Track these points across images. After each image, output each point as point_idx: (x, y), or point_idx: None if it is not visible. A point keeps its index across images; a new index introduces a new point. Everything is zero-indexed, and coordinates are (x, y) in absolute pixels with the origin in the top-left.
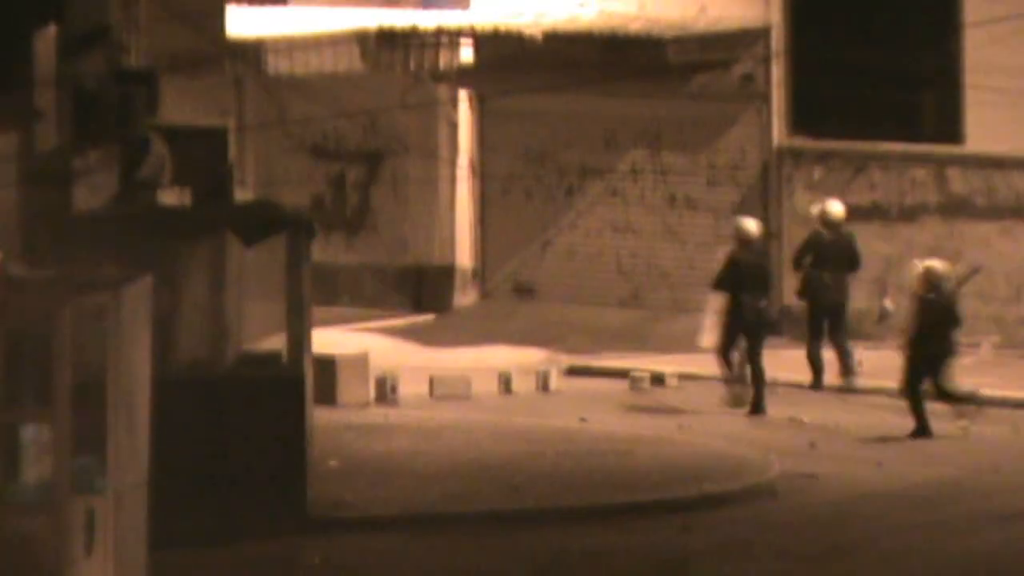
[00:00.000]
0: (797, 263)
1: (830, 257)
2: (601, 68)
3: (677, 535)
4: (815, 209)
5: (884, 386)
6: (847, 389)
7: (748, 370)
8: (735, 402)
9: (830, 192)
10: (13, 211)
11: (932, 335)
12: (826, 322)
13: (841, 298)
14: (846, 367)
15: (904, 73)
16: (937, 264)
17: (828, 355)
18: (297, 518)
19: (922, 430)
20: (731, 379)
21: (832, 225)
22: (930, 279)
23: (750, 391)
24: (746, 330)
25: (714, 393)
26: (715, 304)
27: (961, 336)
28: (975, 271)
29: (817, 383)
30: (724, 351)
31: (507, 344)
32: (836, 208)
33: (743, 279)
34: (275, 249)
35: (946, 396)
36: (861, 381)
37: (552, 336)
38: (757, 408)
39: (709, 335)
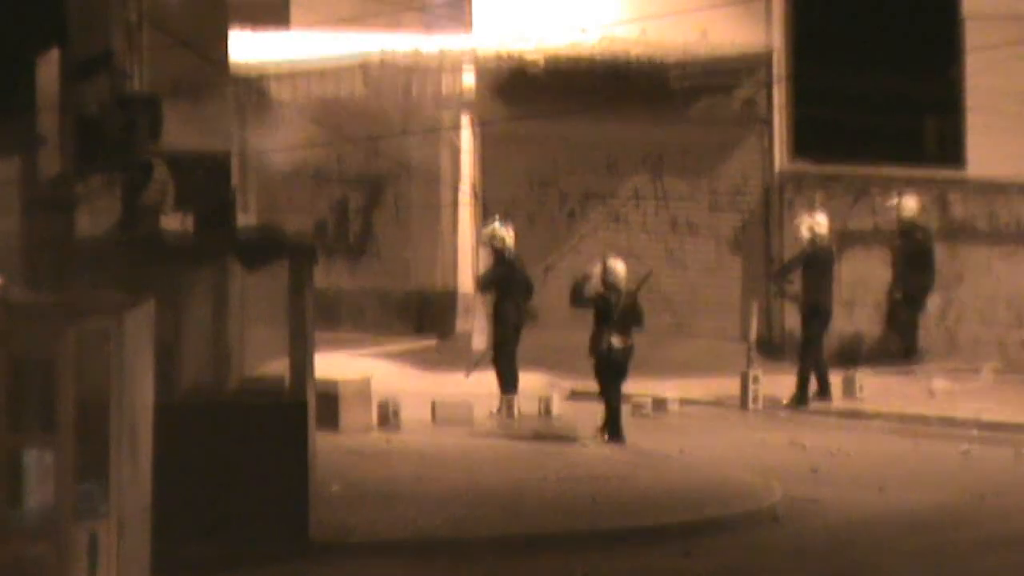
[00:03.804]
0: (782, 275)
1: (820, 268)
2: (603, 93)
3: (679, 560)
4: (804, 225)
5: (885, 410)
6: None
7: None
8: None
9: (832, 217)
10: (16, 236)
11: (613, 331)
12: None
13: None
14: (823, 386)
15: (905, 98)
16: (617, 264)
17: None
18: (300, 543)
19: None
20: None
21: (821, 238)
22: (607, 277)
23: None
24: (515, 328)
25: (715, 417)
26: (486, 307)
27: (962, 361)
28: (648, 276)
29: (823, 391)
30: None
31: None
32: (823, 221)
33: (510, 280)
34: (277, 275)
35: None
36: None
37: (554, 361)
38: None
39: (480, 337)
